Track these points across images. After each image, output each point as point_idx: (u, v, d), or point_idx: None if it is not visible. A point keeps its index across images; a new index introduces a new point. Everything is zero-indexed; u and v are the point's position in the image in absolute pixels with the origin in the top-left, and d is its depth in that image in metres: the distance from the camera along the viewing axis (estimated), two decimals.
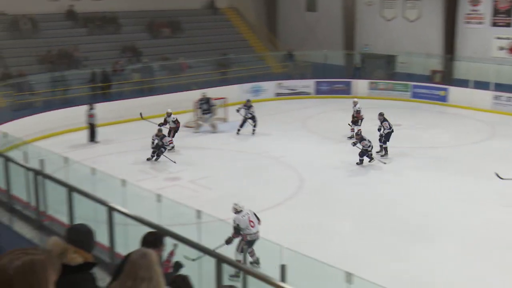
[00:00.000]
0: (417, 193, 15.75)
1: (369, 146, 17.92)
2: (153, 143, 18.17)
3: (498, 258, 11.98)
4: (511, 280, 11.20)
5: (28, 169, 8.95)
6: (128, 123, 23.36)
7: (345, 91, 29.13)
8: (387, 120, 19.11)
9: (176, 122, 20.35)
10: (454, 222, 13.80)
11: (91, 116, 21.00)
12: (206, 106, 22.56)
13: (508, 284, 11.07)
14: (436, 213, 14.28)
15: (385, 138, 18.93)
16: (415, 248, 12.37)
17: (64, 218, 8.08)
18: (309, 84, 29.32)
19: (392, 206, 14.80)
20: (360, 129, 18.83)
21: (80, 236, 4.25)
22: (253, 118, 21.90)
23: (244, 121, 21.95)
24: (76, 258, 4.00)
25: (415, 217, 14.00)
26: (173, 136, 19.89)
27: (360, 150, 18.01)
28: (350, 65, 31.73)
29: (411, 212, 14.34)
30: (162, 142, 18.15)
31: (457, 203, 14.99)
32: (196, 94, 24.54)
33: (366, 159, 18.00)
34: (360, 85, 29.14)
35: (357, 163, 18.07)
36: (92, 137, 20.98)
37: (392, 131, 19.00)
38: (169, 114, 20.28)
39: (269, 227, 12.94)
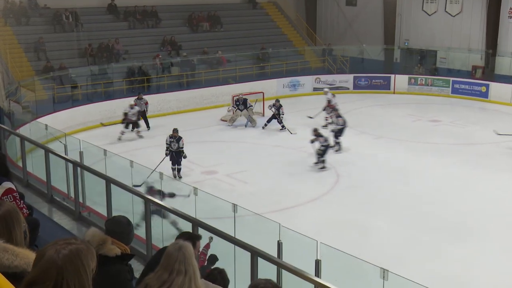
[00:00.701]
0: (456, 191, 15.49)
1: (327, 142, 17.44)
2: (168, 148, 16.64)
3: None
4: None
5: (68, 160, 9.12)
6: (166, 117, 23.58)
7: (384, 86, 28.80)
8: (341, 116, 19.38)
9: (137, 115, 20.76)
10: (494, 221, 13.53)
11: (146, 104, 21.72)
12: (242, 107, 22.59)
13: None
14: (475, 212, 14.04)
15: (338, 133, 19.04)
16: (453, 247, 12.19)
17: (102, 210, 8.22)
18: (347, 79, 29.08)
19: (431, 203, 14.59)
20: (316, 127, 18.18)
21: (119, 227, 4.32)
22: (278, 115, 21.71)
23: (272, 118, 21.90)
24: (114, 249, 4.07)
25: (454, 215, 13.79)
26: (129, 128, 20.58)
27: (318, 148, 17.34)
28: (389, 60, 31.36)
29: (450, 210, 14.12)
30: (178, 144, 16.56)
31: (496, 201, 14.70)
32: (233, 89, 24.63)
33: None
34: (400, 80, 28.78)
35: (315, 163, 17.33)
36: (147, 124, 21.81)
37: (346, 126, 19.23)
38: (131, 106, 20.65)
39: (305, 222, 12.94)
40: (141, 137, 20.81)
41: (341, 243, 10.12)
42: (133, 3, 28.82)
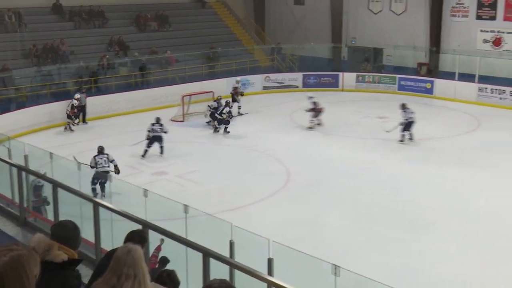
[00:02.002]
0: (407, 185, 15.76)
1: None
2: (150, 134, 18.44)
3: (493, 249, 12.01)
4: (505, 270, 11.24)
5: (12, 165, 8.83)
6: (115, 118, 23.21)
7: (333, 84, 29.13)
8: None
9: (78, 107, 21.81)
10: (445, 214, 13.81)
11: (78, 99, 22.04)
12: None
13: (508, 274, 11.11)
14: (427, 205, 14.28)
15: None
16: (406, 241, 12.37)
17: (49, 215, 8.00)
18: (296, 77, 29.28)
19: (382, 198, 14.80)
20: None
21: (65, 232, 4.17)
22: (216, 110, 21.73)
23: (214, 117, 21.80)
24: (61, 255, 3.93)
25: (406, 210, 14.01)
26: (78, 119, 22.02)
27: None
28: (337, 58, 31.74)
29: (402, 204, 14.35)
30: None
31: (447, 194, 15.02)
32: (183, 88, 24.47)
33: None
34: (348, 78, 29.14)
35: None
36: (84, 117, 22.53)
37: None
38: (78, 99, 21.76)
39: (257, 221, 12.92)
40: (72, 130, 21.51)
41: (293, 240, 10.14)
42: (78, 2, 28.28)
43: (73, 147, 18.89)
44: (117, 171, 14.73)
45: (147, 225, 6.21)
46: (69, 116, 21.55)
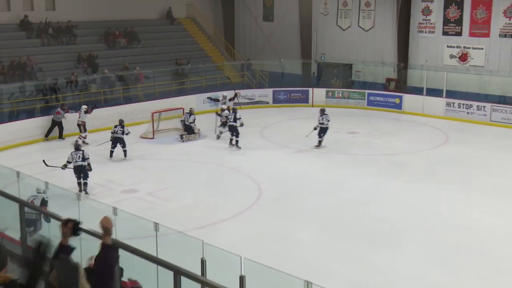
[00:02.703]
0: (376, 200, 15.89)
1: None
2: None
3: (459, 262, 12.16)
4: (469, 284, 11.37)
5: None
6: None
7: (303, 99, 29.31)
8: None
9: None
10: (414, 228, 13.94)
11: (58, 113, 22.30)
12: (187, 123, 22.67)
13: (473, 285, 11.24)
14: (396, 220, 14.41)
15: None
16: (376, 256, 12.45)
17: (15, 234, 7.83)
18: (266, 93, 29.38)
19: (353, 213, 14.89)
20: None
21: None
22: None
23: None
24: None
25: (376, 224, 14.11)
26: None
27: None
28: (307, 74, 31.99)
29: (372, 219, 14.44)
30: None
31: (416, 209, 15.17)
32: (152, 105, 24.34)
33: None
34: (317, 93, 29.37)
35: None
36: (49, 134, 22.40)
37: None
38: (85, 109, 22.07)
39: (229, 237, 12.87)
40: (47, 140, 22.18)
41: (265, 257, 10.13)
42: (46, 19, 28.01)
43: (35, 167, 18.60)
44: (89, 168, 16.25)
45: (116, 244, 6.12)
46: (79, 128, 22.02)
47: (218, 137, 22.44)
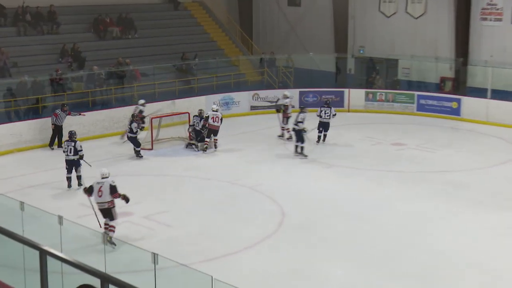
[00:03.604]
0: (426, 229, 15.81)
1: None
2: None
3: None
4: None
5: None
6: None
7: (337, 103, 29.29)
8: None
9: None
10: (471, 266, 13.84)
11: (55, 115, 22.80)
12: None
13: None
14: (449, 254, 14.33)
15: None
16: None
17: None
18: (292, 95, 29.46)
19: (398, 245, 14.84)
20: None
21: None
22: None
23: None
24: None
25: (423, 259, 14.05)
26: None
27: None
28: (342, 71, 32.03)
29: (418, 252, 14.38)
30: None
31: (475, 241, 15.07)
32: (149, 109, 24.48)
33: None
34: (355, 95, 29.38)
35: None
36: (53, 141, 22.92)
37: None
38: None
39: (243, 273, 12.92)
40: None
41: None
42: (24, 3, 28.32)
43: (9, 182, 18.86)
44: (81, 158, 18.06)
45: (106, 279, 6.23)
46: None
47: (290, 138, 23.43)
